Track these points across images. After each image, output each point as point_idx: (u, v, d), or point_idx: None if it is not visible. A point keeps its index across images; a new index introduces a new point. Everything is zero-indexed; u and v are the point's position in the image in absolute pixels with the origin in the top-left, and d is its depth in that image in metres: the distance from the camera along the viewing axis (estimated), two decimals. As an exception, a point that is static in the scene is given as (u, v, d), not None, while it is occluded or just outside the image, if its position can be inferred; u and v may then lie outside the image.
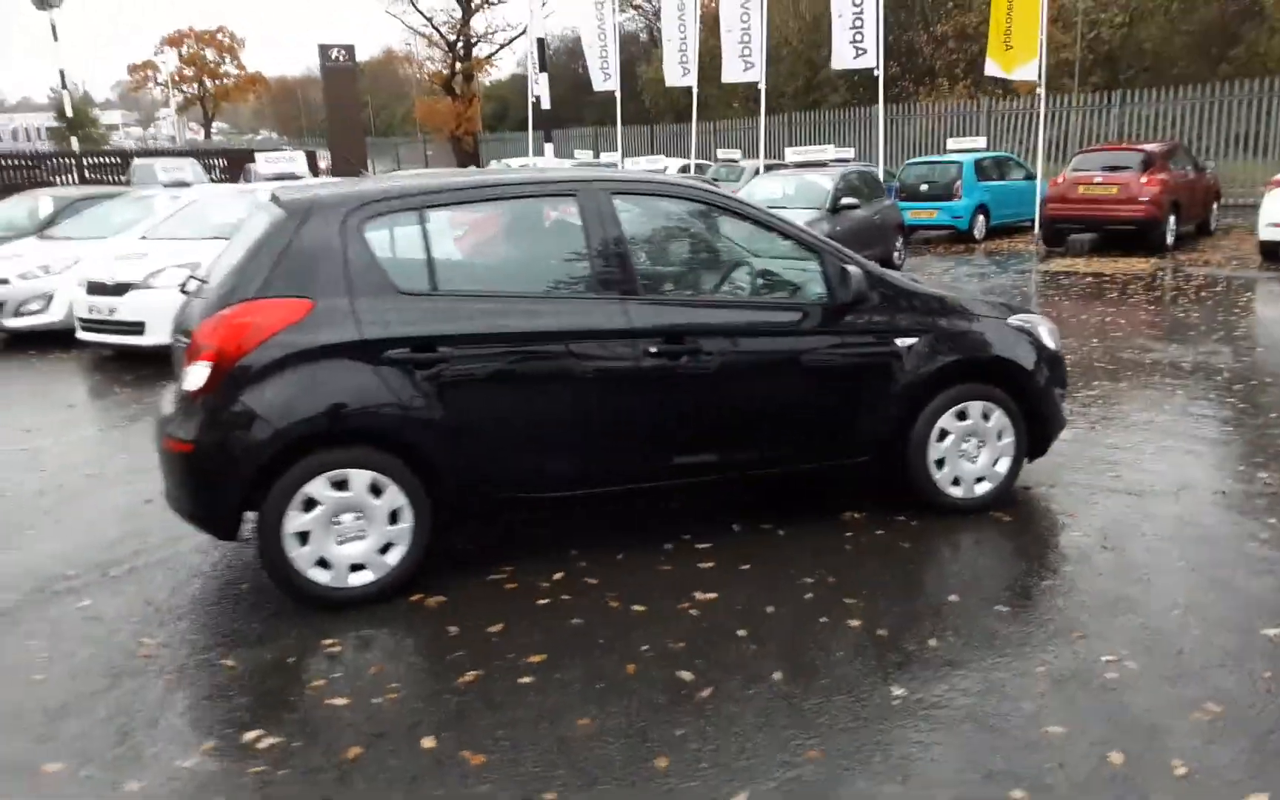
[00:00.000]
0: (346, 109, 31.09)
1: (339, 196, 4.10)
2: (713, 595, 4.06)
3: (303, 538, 3.93)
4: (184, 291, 4.53)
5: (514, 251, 4.47)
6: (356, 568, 4.02)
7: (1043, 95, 19.01)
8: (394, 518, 4.04)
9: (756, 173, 18.31)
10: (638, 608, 3.98)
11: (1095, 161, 15.83)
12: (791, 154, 16.40)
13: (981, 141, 20.80)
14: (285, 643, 3.77)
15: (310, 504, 3.92)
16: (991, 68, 18.59)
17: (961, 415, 4.79)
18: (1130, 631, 3.67)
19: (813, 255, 4.62)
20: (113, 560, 4.61)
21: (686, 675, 3.46)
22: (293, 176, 11.67)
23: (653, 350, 4.26)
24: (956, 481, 4.86)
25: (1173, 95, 23.19)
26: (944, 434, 4.78)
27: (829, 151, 16.12)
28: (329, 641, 3.76)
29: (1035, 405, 4.93)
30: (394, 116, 64.20)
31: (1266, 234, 13.18)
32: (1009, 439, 4.91)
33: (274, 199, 4.19)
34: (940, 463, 4.80)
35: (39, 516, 5.27)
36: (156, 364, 8.00)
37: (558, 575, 4.29)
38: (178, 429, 3.93)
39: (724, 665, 3.52)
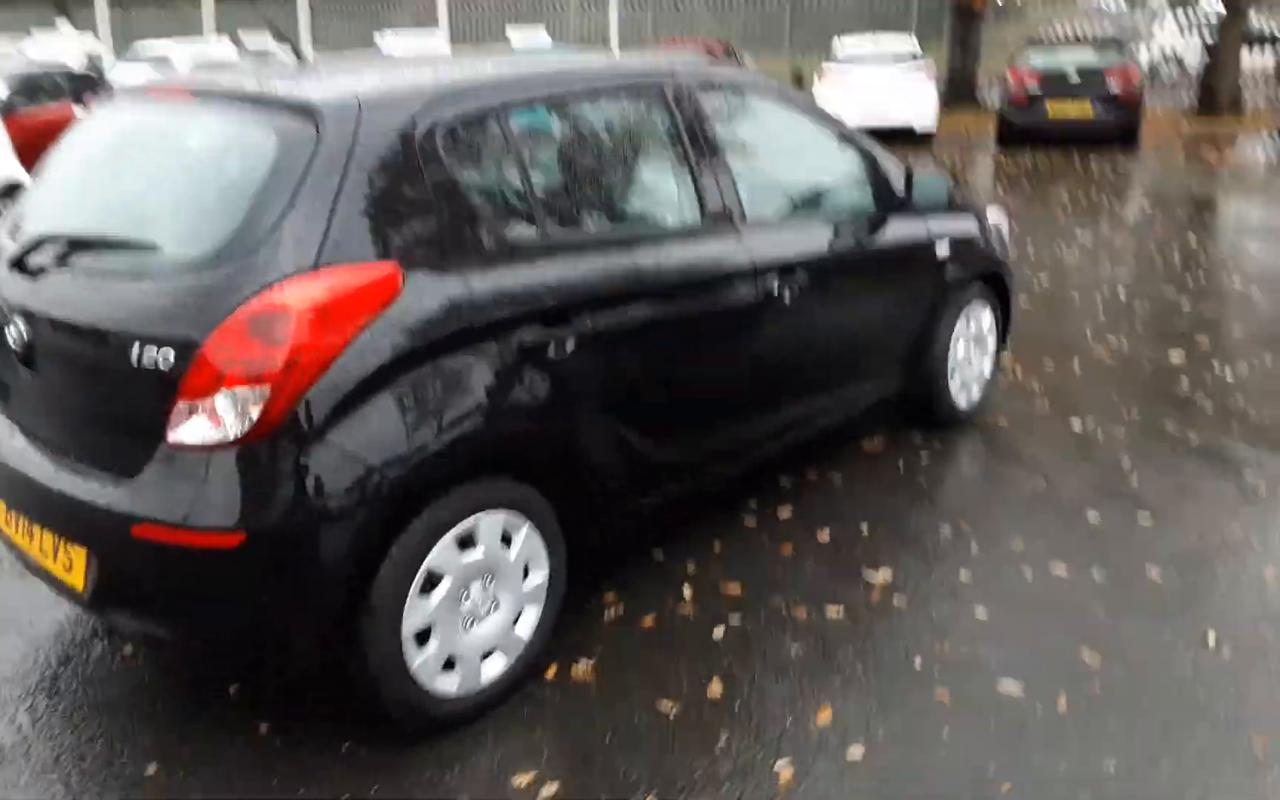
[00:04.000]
0: None
1: (391, 94, 2.58)
2: (888, 573, 3.39)
3: (422, 636, 2.53)
4: (24, 266, 2.59)
5: (613, 172, 3.16)
6: (485, 655, 2.71)
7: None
8: (524, 572, 2.76)
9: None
10: (834, 611, 3.18)
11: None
12: None
13: (541, 33, 20.36)
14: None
15: (431, 581, 2.52)
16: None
17: (968, 322, 4.52)
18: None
19: (866, 156, 3.96)
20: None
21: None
22: None
23: (772, 287, 3.36)
24: (962, 390, 4.61)
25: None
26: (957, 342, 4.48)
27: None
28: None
29: (1009, 303, 4.81)
30: None
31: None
32: (993, 339, 4.76)
33: (275, 96, 2.52)
34: (953, 373, 4.50)
35: None
36: None
37: (685, 593, 3.29)
38: (192, 509, 2.25)
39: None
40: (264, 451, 2.24)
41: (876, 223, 3.88)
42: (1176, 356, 5.52)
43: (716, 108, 3.35)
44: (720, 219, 3.24)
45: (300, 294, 2.25)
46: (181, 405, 2.25)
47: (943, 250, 4.19)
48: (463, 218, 2.57)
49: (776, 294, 3.35)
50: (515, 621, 2.75)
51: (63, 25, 15.79)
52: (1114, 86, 14.54)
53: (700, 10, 22.35)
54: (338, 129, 2.41)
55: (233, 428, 2.22)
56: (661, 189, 3.20)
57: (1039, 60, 15.13)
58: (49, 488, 2.49)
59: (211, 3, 21.26)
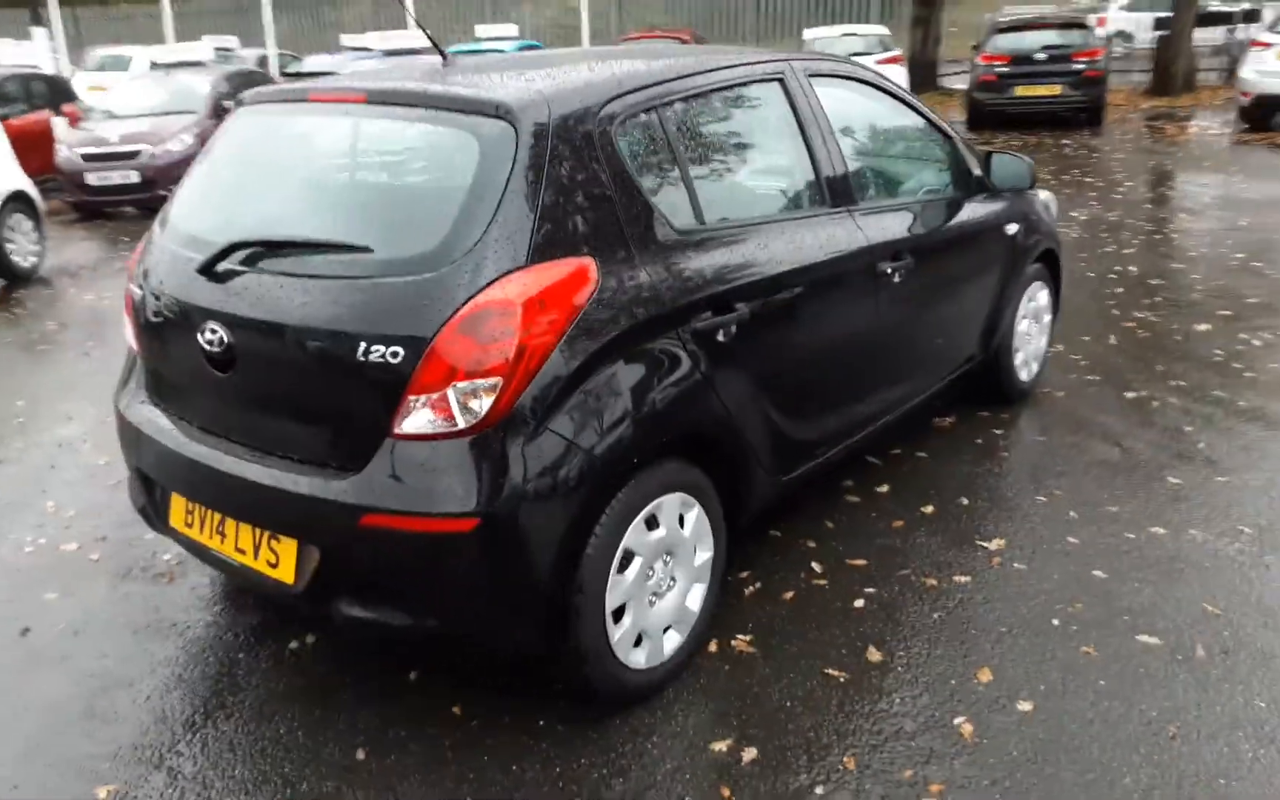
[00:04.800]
0: None
1: (575, 93, 2.67)
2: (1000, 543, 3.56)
3: (616, 613, 2.64)
4: (214, 272, 2.64)
5: (747, 160, 3.29)
6: (665, 630, 2.83)
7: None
8: (693, 551, 2.89)
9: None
10: (961, 578, 3.34)
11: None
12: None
13: (512, 29, 20.33)
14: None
15: (626, 560, 2.63)
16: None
17: (1029, 298, 4.71)
18: None
19: (947, 139, 4.12)
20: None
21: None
22: None
23: (887, 269, 3.51)
24: (1024, 365, 4.80)
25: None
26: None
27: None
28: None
29: (1059, 280, 5.01)
30: None
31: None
32: (1048, 315, 4.96)
33: (467, 99, 2.59)
34: (1018, 349, 4.70)
35: None
36: None
37: (815, 567, 3.44)
38: (426, 497, 2.34)
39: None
40: (494, 439, 2.33)
41: (962, 202, 4.06)
42: (1204, 326, 5.78)
43: (826, 95, 3.49)
44: (840, 202, 3.38)
45: (522, 289, 2.35)
46: (411, 399, 2.33)
47: (1011, 228, 4.38)
48: (640, 209, 2.68)
49: (889, 274, 3.50)
50: (686, 598, 2.87)
51: (38, 34, 15.41)
52: (1080, 66, 14.97)
53: (663, 3, 22.44)
54: (534, 129, 2.49)
55: (464, 418, 2.31)
56: (794, 175, 3.34)
57: (1007, 43, 15.51)
58: (254, 483, 2.55)
59: (169, 8, 20.82)
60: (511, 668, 2.90)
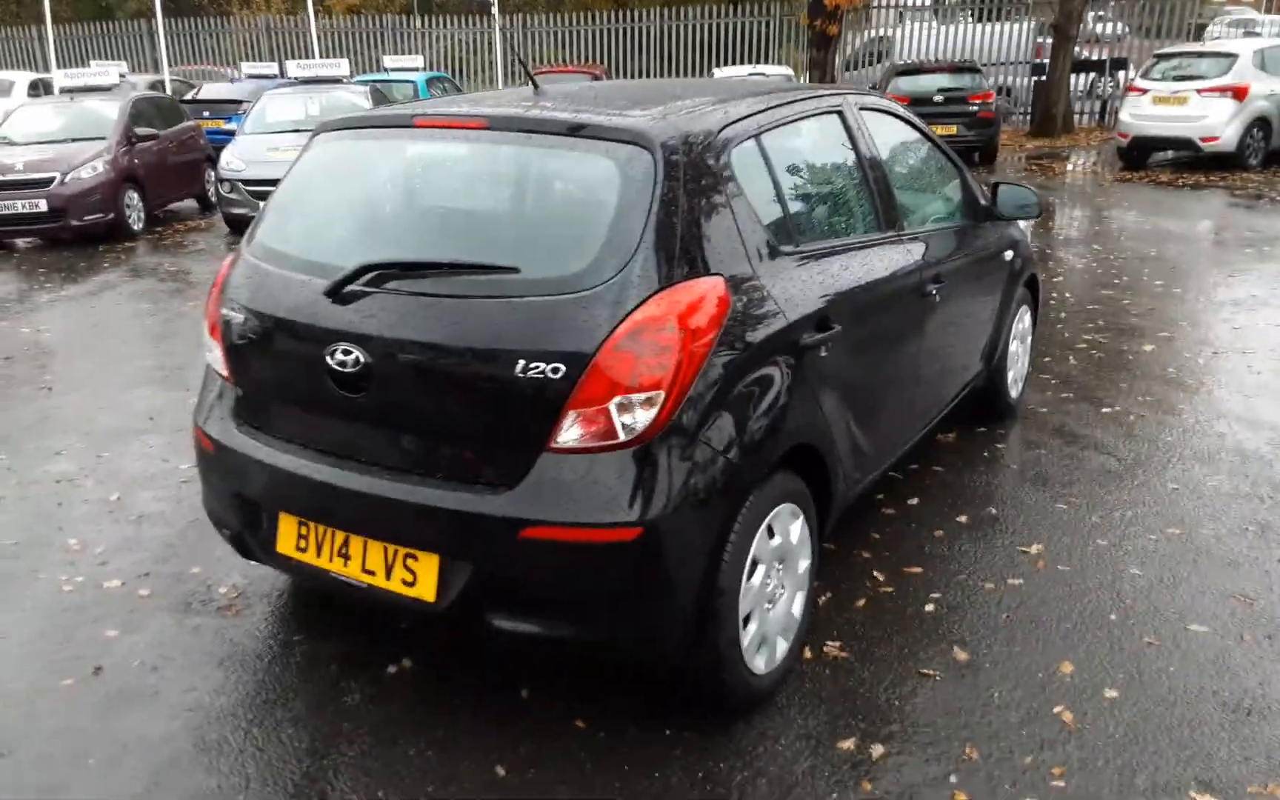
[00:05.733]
0: None
1: (699, 122, 2.77)
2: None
3: (745, 619, 2.73)
4: (341, 295, 2.63)
5: (824, 185, 3.43)
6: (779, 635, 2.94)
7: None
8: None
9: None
10: (1015, 581, 3.55)
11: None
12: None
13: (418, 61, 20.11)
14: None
15: (753, 567, 2.73)
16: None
17: (1019, 320, 5.03)
18: None
19: (957, 170, 4.40)
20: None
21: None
22: None
23: (931, 290, 3.72)
24: (1014, 383, 5.11)
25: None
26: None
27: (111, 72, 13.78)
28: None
29: (1037, 304, 5.36)
30: None
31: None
32: (1030, 337, 5.30)
33: (604, 127, 2.66)
34: (1010, 367, 5.00)
35: None
36: None
37: (877, 576, 3.60)
38: (588, 508, 2.39)
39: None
40: (653, 450, 2.41)
41: (975, 229, 4.32)
42: (1149, 346, 6.25)
43: (875, 127, 3.69)
44: (892, 227, 3.58)
45: (677, 307, 2.44)
46: (572, 413, 2.38)
47: (1008, 255, 4.68)
48: (756, 231, 2.81)
49: (933, 294, 3.72)
50: (793, 605, 2.98)
51: None
52: (975, 107, 15.87)
53: (571, 39, 22.67)
54: (670, 156, 2.59)
55: (625, 431, 2.38)
56: (860, 201, 3.52)
57: (907, 84, 16.32)
58: (392, 501, 2.54)
59: (50, 30, 19.93)
60: (621, 681, 2.96)
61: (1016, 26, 21.62)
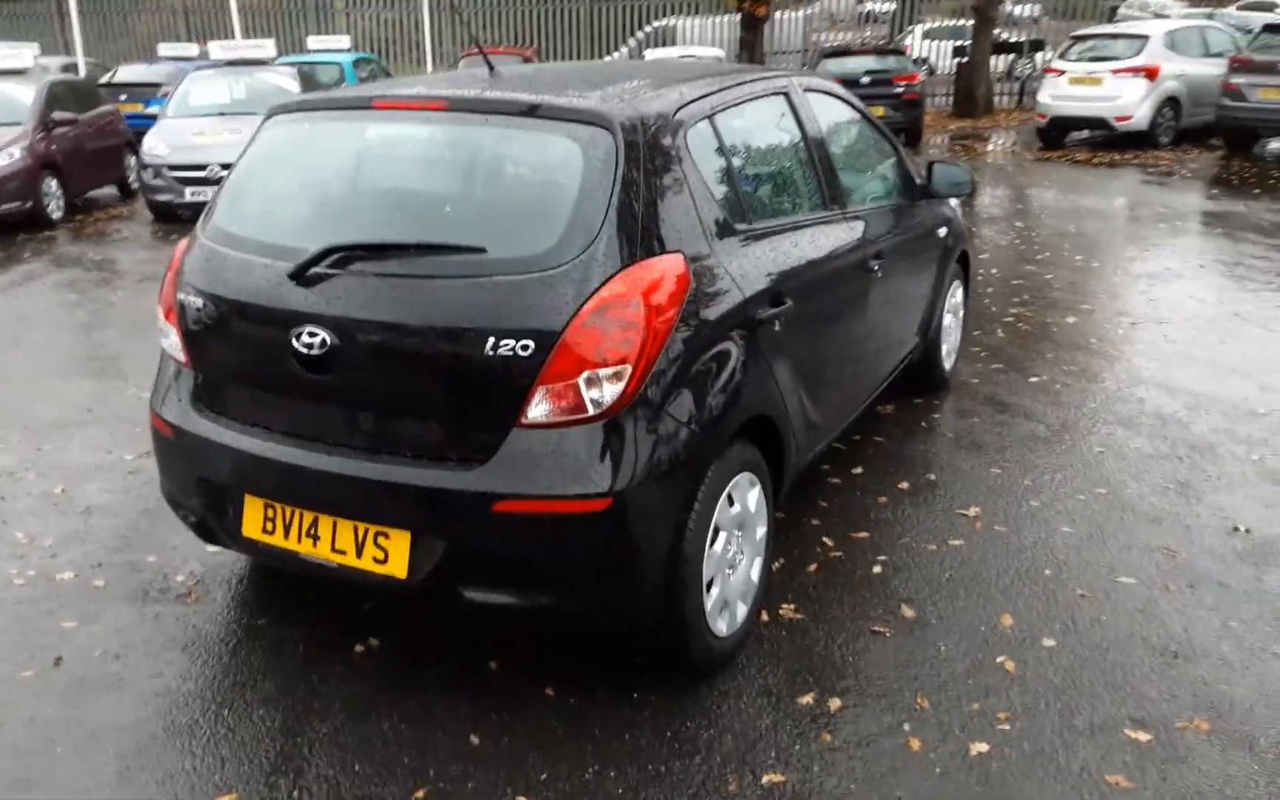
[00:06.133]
0: None
1: (658, 104, 2.85)
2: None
3: (708, 585, 2.84)
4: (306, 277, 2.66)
5: (772, 164, 3.52)
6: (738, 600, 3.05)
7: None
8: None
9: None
10: (955, 542, 3.73)
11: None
12: None
13: (345, 41, 19.78)
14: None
15: (714, 534, 2.84)
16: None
17: (952, 294, 5.23)
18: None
19: (893, 149, 4.55)
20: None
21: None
22: None
23: (873, 266, 3.86)
24: (948, 355, 5.31)
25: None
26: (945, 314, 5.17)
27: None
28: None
29: (969, 279, 5.57)
30: None
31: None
32: (962, 311, 5.51)
33: (565, 109, 2.72)
34: (944, 340, 5.19)
35: None
36: None
37: (826, 542, 3.74)
38: (559, 481, 2.47)
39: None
40: (621, 423, 2.50)
41: (912, 207, 4.48)
42: (1072, 319, 6.52)
43: (818, 108, 3.81)
44: (836, 205, 3.71)
45: (642, 283, 2.52)
46: (541, 389, 2.45)
47: (942, 232, 4.85)
48: (711, 209, 2.90)
49: (875, 270, 3.86)
50: (751, 570, 3.10)
51: None
52: (900, 89, 16.20)
53: (502, 20, 22.49)
54: (631, 136, 2.67)
55: (594, 404, 2.46)
56: (806, 180, 3.63)
57: (835, 66, 16.57)
58: (362, 481, 2.59)
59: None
60: (586, 649, 3.05)
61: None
